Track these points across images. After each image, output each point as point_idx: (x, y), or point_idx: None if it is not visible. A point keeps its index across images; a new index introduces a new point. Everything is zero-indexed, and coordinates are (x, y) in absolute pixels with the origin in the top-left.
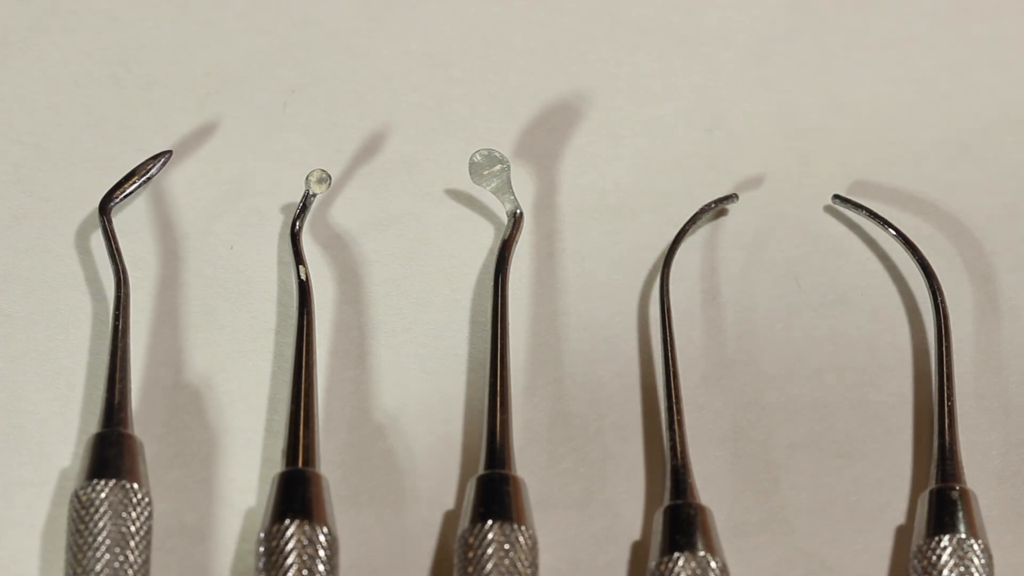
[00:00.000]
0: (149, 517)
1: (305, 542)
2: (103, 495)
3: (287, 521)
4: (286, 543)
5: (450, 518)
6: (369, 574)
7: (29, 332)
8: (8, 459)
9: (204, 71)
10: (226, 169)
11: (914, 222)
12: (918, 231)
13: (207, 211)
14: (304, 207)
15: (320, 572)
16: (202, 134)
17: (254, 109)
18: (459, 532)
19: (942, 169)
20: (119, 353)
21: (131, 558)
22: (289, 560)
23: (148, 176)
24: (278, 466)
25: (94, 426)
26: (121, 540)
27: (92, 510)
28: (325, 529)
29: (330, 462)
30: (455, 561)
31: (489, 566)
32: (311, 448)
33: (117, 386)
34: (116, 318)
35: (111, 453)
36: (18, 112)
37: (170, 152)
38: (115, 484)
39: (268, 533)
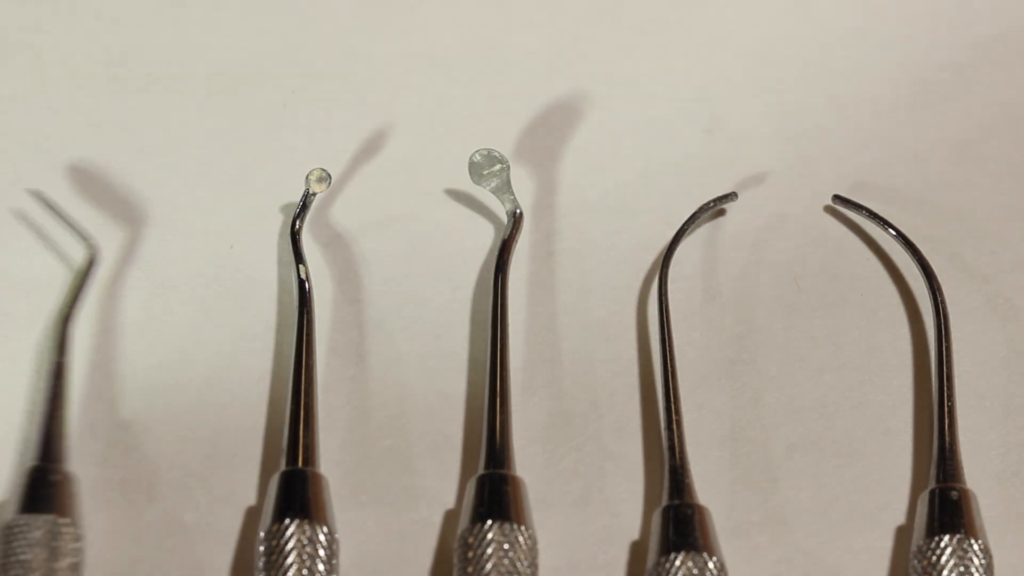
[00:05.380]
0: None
1: (305, 542)
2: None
3: (287, 521)
4: (286, 543)
5: (450, 518)
6: (369, 574)
7: (26, 332)
8: None
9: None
10: (226, 169)
11: (914, 222)
12: (918, 231)
13: (207, 211)
14: (304, 207)
15: (320, 572)
16: (202, 134)
17: (254, 109)
18: (459, 532)
19: (942, 169)
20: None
21: None
22: (289, 560)
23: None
24: (278, 466)
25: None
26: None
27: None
28: (325, 529)
29: (330, 462)
30: (455, 561)
31: (489, 566)
32: (311, 448)
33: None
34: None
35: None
36: (18, 112)
37: None
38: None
39: (268, 532)
